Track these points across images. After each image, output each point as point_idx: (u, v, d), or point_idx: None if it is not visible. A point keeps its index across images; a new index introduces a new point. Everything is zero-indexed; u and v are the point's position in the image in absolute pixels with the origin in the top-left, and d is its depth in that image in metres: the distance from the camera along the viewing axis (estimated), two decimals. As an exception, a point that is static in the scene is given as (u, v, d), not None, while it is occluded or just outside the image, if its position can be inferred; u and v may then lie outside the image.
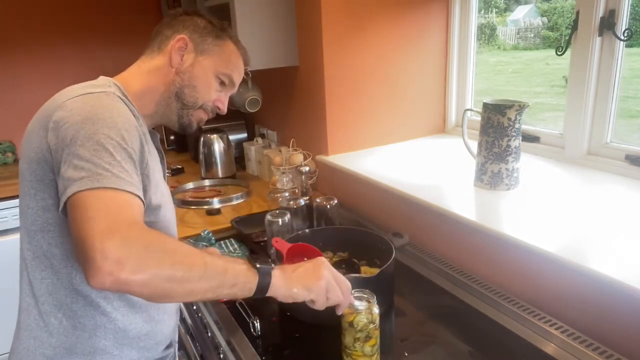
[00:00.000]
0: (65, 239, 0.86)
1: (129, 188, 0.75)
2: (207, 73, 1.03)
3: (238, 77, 1.09)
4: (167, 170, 1.11)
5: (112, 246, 0.66)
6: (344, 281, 0.90)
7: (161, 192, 0.96)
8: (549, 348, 1.01)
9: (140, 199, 0.77)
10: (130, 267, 0.66)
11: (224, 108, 1.10)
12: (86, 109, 0.80)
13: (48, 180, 0.83)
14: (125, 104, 0.89)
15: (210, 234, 1.59)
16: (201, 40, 1.02)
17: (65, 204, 0.74)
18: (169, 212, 1.00)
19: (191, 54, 1.02)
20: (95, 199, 0.72)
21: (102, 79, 0.95)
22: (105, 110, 0.81)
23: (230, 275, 0.77)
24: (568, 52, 1.45)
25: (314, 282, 0.85)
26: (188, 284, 0.72)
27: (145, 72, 1.02)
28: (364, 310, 0.93)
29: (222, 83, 1.06)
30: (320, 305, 0.87)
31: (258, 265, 0.81)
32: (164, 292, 0.71)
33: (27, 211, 0.87)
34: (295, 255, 1.21)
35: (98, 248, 0.66)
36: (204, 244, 1.53)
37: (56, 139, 0.79)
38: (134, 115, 0.87)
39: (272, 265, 0.84)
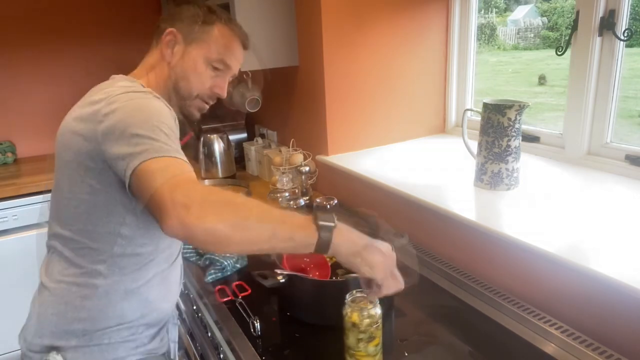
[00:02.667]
0: (112, 218, 0.94)
1: (182, 157, 0.83)
2: (196, 62, 1.05)
3: (233, 59, 1.09)
4: None
5: (179, 195, 0.72)
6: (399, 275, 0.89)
7: None
8: (549, 348, 1.01)
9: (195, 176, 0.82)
10: (194, 211, 0.70)
11: (223, 92, 1.11)
12: (134, 101, 0.88)
13: (98, 170, 0.89)
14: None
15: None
16: (189, 30, 1.04)
17: (130, 178, 0.80)
18: None
19: (180, 46, 1.05)
20: (160, 164, 0.79)
21: (121, 78, 1.01)
22: (151, 102, 0.90)
23: (287, 227, 0.76)
24: (568, 52, 1.45)
25: (378, 265, 0.82)
26: (245, 231, 0.74)
27: (148, 69, 1.07)
28: (377, 314, 0.93)
29: (215, 69, 1.07)
30: (383, 291, 0.85)
31: (320, 223, 0.77)
32: (223, 238, 0.72)
33: (71, 197, 0.94)
34: (295, 256, 1.21)
35: (167, 197, 0.73)
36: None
37: (109, 127, 0.85)
38: (174, 117, 0.94)
39: (335, 221, 0.79)
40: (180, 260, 1.15)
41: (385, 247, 0.85)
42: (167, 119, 0.89)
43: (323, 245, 0.77)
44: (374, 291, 0.87)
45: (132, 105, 0.88)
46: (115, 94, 0.90)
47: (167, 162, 0.79)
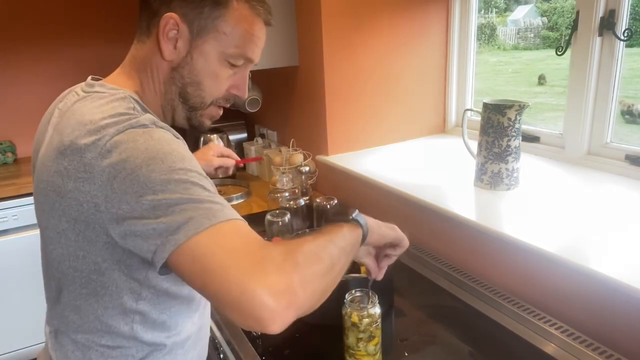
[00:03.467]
0: (124, 298, 0.74)
1: (236, 214, 0.64)
2: (211, 61, 0.79)
3: (256, 50, 0.82)
4: None
5: (273, 279, 0.56)
6: None
7: None
8: (549, 348, 1.01)
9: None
10: (298, 287, 0.58)
11: (244, 93, 0.86)
12: (140, 149, 0.63)
13: (101, 244, 0.68)
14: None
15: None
16: (196, 15, 0.75)
17: (165, 261, 0.61)
18: None
19: (186, 38, 0.77)
20: (219, 237, 0.59)
21: (119, 93, 0.75)
22: (163, 144, 0.65)
23: (348, 242, 0.75)
24: (568, 52, 1.45)
25: (389, 224, 0.91)
26: (333, 272, 0.68)
27: (140, 67, 0.80)
28: (377, 314, 0.94)
29: (233, 65, 0.81)
30: (405, 244, 0.93)
31: (353, 217, 0.80)
32: (322, 291, 0.65)
33: (75, 274, 0.73)
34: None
35: (258, 292, 0.55)
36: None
37: (117, 195, 0.63)
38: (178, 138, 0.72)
39: (351, 210, 0.82)
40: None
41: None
42: (191, 160, 0.66)
43: (365, 234, 0.81)
44: (389, 256, 0.95)
45: (141, 152, 0.63)
46: (107, 135, 0.65)
47: (226, 233, 0.60)
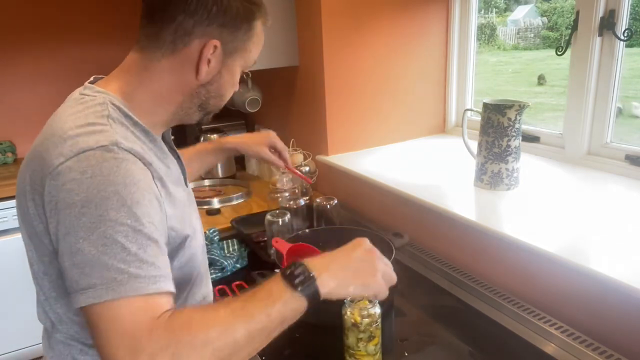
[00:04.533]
0: None
1: (150, 287, 0.64)
2: (235, 75, 0.84)
3: (259, 53, 0.89)
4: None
5: None
6: (389, 263, 0.81)
7: (188, 217, 0.85)
8: (549, 348, 1.01)
9: (167, 291, 0.67)
10: None
11: (237, 87, 0.92)
12: (85, 185, 0.64)
13: (56, 253, 0.70)
14: (133, 132, 0.75)
15: (215, 233, 1.58)
16: (231, 39, 0.79)
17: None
18: (198, 233, 0.90)
19: (219, 59, 0.80)
20: (110, 314, 0.62)
21: (98, 97, 0.76)
22: (108, 183, 0.65)
23: (276, 318, 0.67)
24: (568, 52, 1.45)
25: (370, 279, 0.75)
26: (238, 354, 0.65)
27: (155, 79, 0.80)
28: (377, 314, 0.93)
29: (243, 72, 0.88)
30: (382, 297, 0.78)
31: (299, 289, 0.69)
32: None
33: (44, 277, 0.76)
34: (295, 255, 1.21)
35: None
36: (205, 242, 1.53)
37: (54, 220, 0.67)
38: (144, 163, 0.71)
39: (312, 274, 0.70)
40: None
41: (364, 252, 0.78)
42: (130, 208, 0.65)
43: (315, 304, 0.71)
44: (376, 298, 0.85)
45: (81, 190, 0.64)
46: (62, 155, 0.66)
47: (119, 311, 0.62)
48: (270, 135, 1.29)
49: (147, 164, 0.72)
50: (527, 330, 1.07)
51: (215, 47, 0.78)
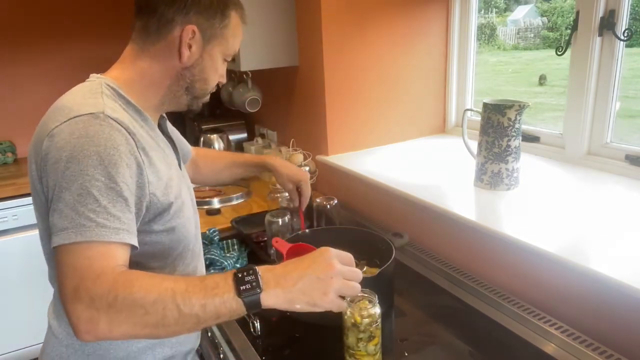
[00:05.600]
0: None
1: (112, 237, 0.73)
2: (216, 61, 0.95)
3: (239, 45, 1.00)
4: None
5: (81, 308, 0.68)
6: (356, 272, 0.79)
7: (176, 189, 0.92)
8: (549, 348, 1.01)
9: (128, 243, 0.75)
10: (103, 325, 0.68)
11: (224, 79, 1.02)
12: (72, 144, 0.75)
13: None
14: (125, 109, 0.85)
15: (216, 233, 1.59)
16: (208, 25, 0.90)
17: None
18: (187, 207, 0.96)
19: (199, 44, 0.90)
20: (71, 255, 0.72)
21: (95, 80, 0.87)
22: (91, 144, 0.75)
23: (211, 311, 0.70)
24: (568, 52, 1.45)
25: (319, 298, 0.74)
26: (164, 328, 0.70)
27: (146, 65, 0.91)
28: (377, 314, 0.93)
29: (226, 61, 0.98)
30: (336, 311, 0.78)
31: (242, 296, 0.71)
32: (146, 337, 0.72)
33: (49, 241, 0.82)
34: (295, 255, 1.21)
35: (70, 310, 0.69)
36: (205, 242, 1.53)
37: (45, 175, 0.78)
38: (128, 132, 0.80)
39: (260, 285, 0.72)
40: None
41: (322, 269, 0.75)
42: (106, 168, 0.75)
43: (253, 310, 0.73)
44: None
45: (68, 148, 0.75)
46: (58, 121, 0.78)
47: (80, 253, 0.71)
48: (304, 177, 1.37)
49: (132, 133, 0.81)
50: (527, 330, 1.07)
51: (194, 32, 0.88)
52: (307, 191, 1.37)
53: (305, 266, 0.76)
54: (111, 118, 0.79)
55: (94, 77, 0.89)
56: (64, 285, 0.71)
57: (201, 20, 0.89)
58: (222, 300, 0.71)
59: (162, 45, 0.89)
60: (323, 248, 0.80)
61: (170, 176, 0.91)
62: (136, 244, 0.78)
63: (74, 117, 0.78)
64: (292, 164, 1.41)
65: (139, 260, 0.86)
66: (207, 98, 1.00)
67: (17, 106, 2.66)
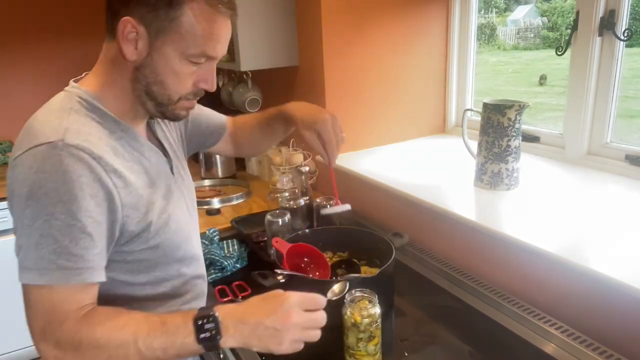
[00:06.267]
0: None
1: (74, 279, 0.73)
2: (171, 61, 0.80)
3: (218, 46, 0.82)
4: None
5: (48, 348, 0.73)
6: (316, 320, 0.79)
7: (160, 203, 0.87)
8: (549, 348, 1.01)
9: (92, 281, 0.76)
10: None
11: (211, 86, 0.86)
12: (30, 180, 0.72)
13: None
14: (99, 122, 0.81)
15: (216, 233, 1.58)
16: (152, 18, 0.76)
17: None
18: (175, 219, 0.90)
19: (145, 40, 0.78)
20: (36, 296, 0.74)
21: (72, 91, 0.83)
22: (49, 180, 0.72)
23: (172, 354, 0.74)
24: (568, 52, 1.45)
25: (275, 346, 0.76)
26: None
27: (108, 68, 0.84)
28: (377, 314, 0.93)
29: (195, 63, 0.82)
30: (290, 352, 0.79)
31: (202, 344, 0.73)
32: None
33: None
34: (295, 256, 1.21)
35: (39, 348, 0.74)
36: (205, 242, 1.53)
37: (10, 204, 0.78)
38: (93, 157, 0.75)
39: (220, 332, 0.74)
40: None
41: (279, 319, 0.75)
42: (65, 204, 0.72)
43: (213, 350, 0.77)
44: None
45: (27, 184, 0.72)
46: (20, 149, 0.76)
47: (43, 296, 0.73)
48: (320, 116, 1.07)
49: (97, 158, 0.76)
50: (527, 330, 1.07)
51: (133, 25, 0.77)
52: (327, 136, 1.06)
53: (265, 314, 0.76)
54: (72, 145, 0.74)
55: (70, 87, 0.84)
56: (31, 324, 0.74)
57: (143, 11, 0.76)
58: (182, 343, 0.74)
59: (115, 41, 0.80)
60: (287, 295, 0.78)
61: (152, 191, 0.86)
62: (102, 279, 0.77)
63: (34, 147, 0.74)
64: (310, 104, 1.13)
65: (125, 279, 0.86)
66: (182, 105, 0.86)
67: (17, 106, 2.66)
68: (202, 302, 1.04)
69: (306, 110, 1.11)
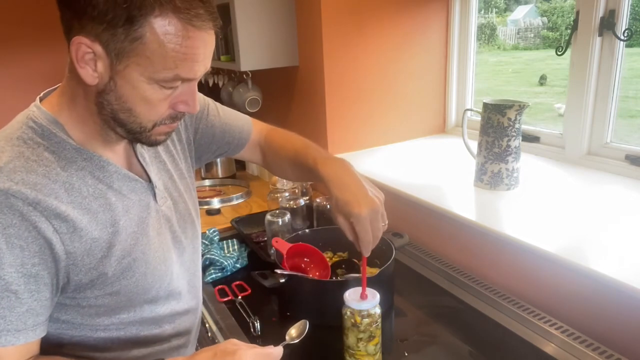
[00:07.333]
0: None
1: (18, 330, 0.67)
2: (138, 87, 0.67)
3: (194, 67, 0.68)
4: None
5: None
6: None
7: (126, 243, 0.77)
8: (549, 348, 1.01)
9: (13, 344, 0.68)
10: None
11: (192, 108, 0.73)
12: None
13: None
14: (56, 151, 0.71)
15: (215, 233, 1.58)
16: (110, 37, 0.63)
17: None
18: (142, 261, 0.79)
19: (104, 61, 0.65)
20: None
21: (27, 113, 0.75)
22: None
23: None
24: (568, 52, 1.45)
25: None
26: None
27: (73, 85, 0.72)
28: (377, 314, 0.93)
29: (170, 88, 0.69)
30: None
31: None
32: None
33: None
34: (295, 256, 1.22)
35: None
36: (205, 242, 1.53)
37: None
38: (28, 202, 0.66)
39: None
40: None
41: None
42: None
43: None
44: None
45: None
46: None
47: None
48: (356, 210, 0.82)
49: (33, 203, 0.66)
50: (527, 330, 1.07)
51: (86, 45, 0.64)
52: (362, 234, 0.82)
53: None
54: (1, 191, 0.65)
55: (32, 105, 0.76)
56: None
57: (99, 30, 0.63)
58: None
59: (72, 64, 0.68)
60: (240, 352, 0.73)
61: (115, 231, 0.75)
62: (30, 339, 0.69)
63: None
64: (352, 179, 0.87)
65: (83, 322, 0.78)
66: (159, 131, 0.74)
67: (16, 107, 2.64)
68: (187, 339, 0.96)
69: (345, 192, 0.84)
